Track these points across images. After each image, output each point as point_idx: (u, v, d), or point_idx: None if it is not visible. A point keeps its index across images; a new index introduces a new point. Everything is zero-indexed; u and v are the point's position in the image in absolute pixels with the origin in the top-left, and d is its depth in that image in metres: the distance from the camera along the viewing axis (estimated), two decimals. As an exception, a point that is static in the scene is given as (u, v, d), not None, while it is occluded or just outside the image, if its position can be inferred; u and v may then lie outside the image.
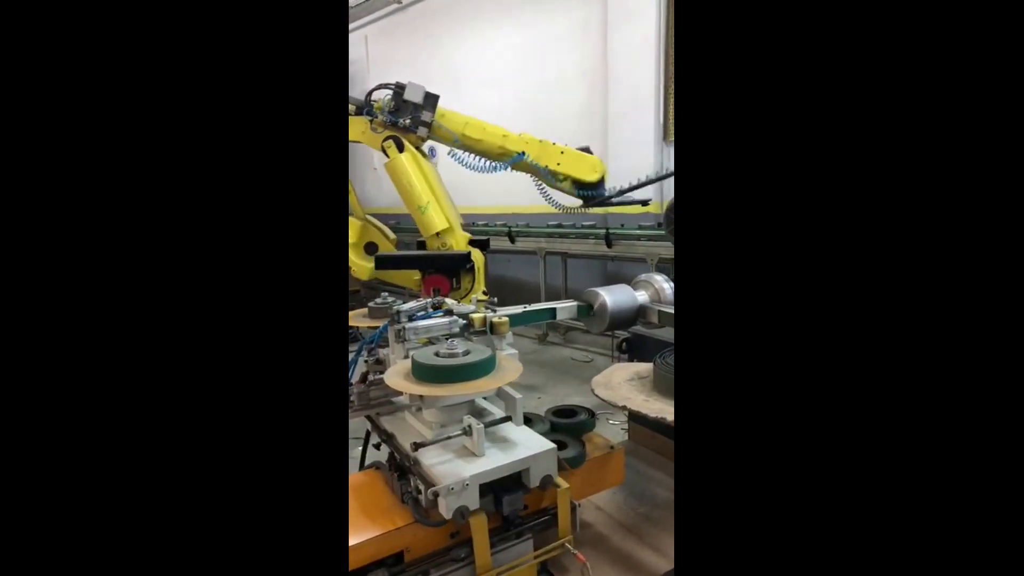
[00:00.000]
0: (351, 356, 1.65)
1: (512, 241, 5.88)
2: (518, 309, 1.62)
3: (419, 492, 1.23)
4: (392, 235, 4.21)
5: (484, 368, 1.25)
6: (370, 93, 3.51)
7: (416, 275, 3.68)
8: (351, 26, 8.37)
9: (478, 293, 3.51)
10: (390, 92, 3.47)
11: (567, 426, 1.60)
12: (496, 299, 1.76)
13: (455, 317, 1.49)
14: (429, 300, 1.58)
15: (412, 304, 1.54)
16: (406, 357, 1.45)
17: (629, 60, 4.88)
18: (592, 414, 1.67)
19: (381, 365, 1.57)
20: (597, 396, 1.55)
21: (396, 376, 1.27)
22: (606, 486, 1.63)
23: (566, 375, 4.65)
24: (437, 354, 1.28)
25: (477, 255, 3.44)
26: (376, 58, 8.22)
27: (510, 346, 1.49)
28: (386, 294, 1.77)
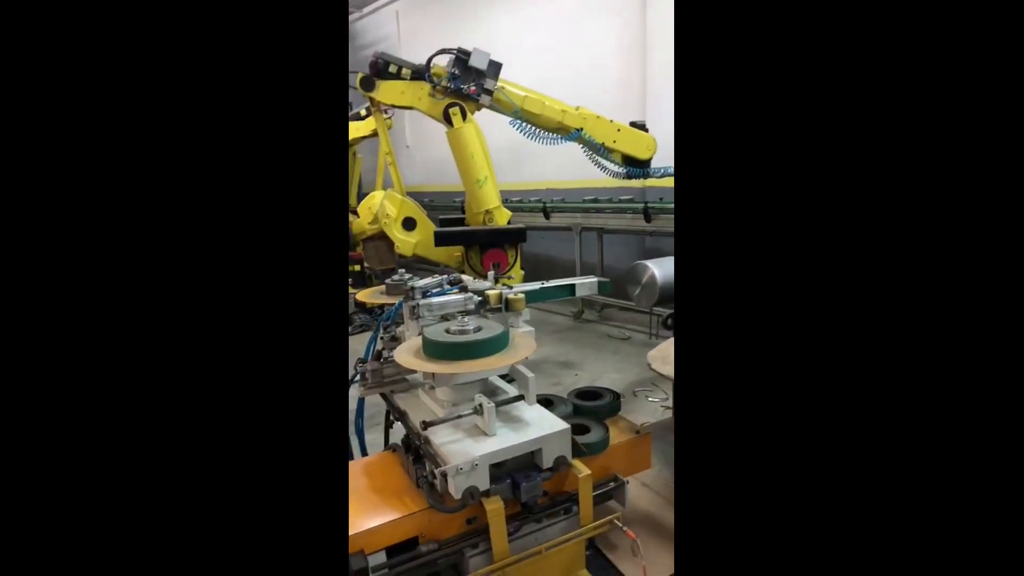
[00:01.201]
0: (367, 343, 1.62)
1: (547, 217, 5.77)
2: (535, 286, 1.54)
3: (435, 477, 1.19)
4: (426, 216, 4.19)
5: (496, 345, 1.19)
6: (431, 58, 3.43)
7: (457, 252, 3.66)
8: (382, 2, 8.31)
9: (518, 268, 3.49)
10: (450, 58, 3.38)
11: (590, 409, 1.53)
12: (513, 276, 1.69)
13: (470, 294, 1.43)
14: (445, 277, 1.52)
15: (427, 280, 1.49)
16: (420, 334, 1.41)
17: (668, 33, 4.65)
18: (617, 397, 1.59)
19: (396, 342, 1.53)
20: (654, 370, 1.47)
21: (406, 353, 1.22)
22: (631, 473, 1.55)
23: (602, 351, 4.57)
24: (448, 331, 1.22)
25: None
26: (407, 34, 8.14)
27: (527, 323, 1.43)
28: (403, 271, 1.73)
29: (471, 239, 3.57)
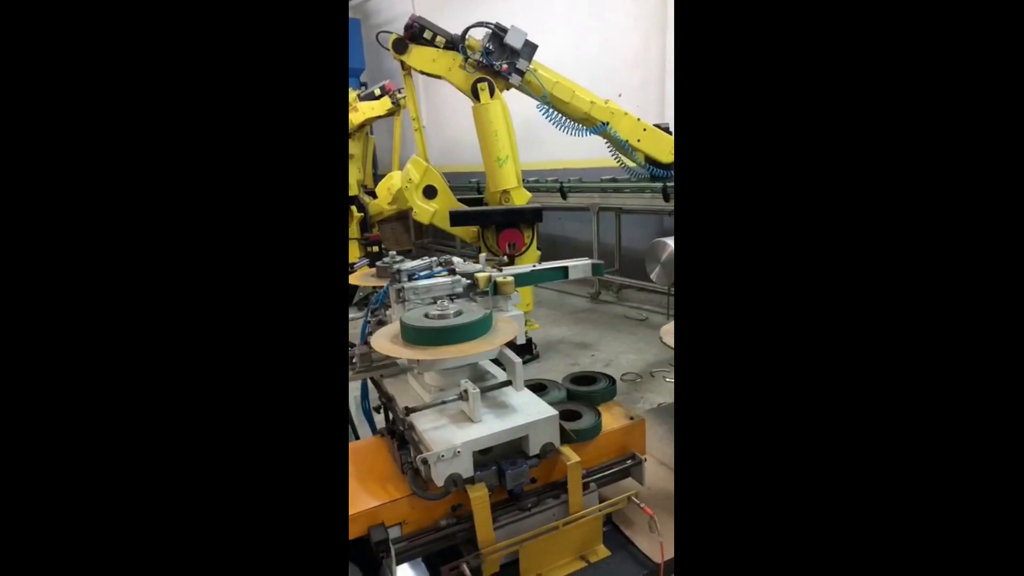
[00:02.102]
0: (361, 325, 1.59)
1: (564, 197, 5.67)
2: (526, 268, 1.49)
3: (419, 463, 1.16)
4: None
5: (476, 330, 1.14)
6: (467, 30, 3.36)
7: (475, 229, 3.63)
8: (397, -21, 8.18)
9: (534, 248, 3.45)
10: (487, 32, 3.31)
11: (583, 394, 1.48)
12: (505, 258, 1.63)
13: (458, 276, 1.38)
14: (435, 259, 1.48)
15: (415, 263, 1.45)
16: (404, 319, 1.37)
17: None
18: (613, 382, 1.53)
19: (382, 326, 1.50)
20: (666, 344, 1.44)
21: (384, 338, 1.19)
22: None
23: (620, 332, 4.50)
24: (427, 315, 1.18)
25: None
26: (422, 11, 8.01)
27: (515, 307, 1.38)
28: (393, 253, 1.69)
29: (487, 219, 3.53)
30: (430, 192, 3.82)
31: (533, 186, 5.51)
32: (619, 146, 3.44)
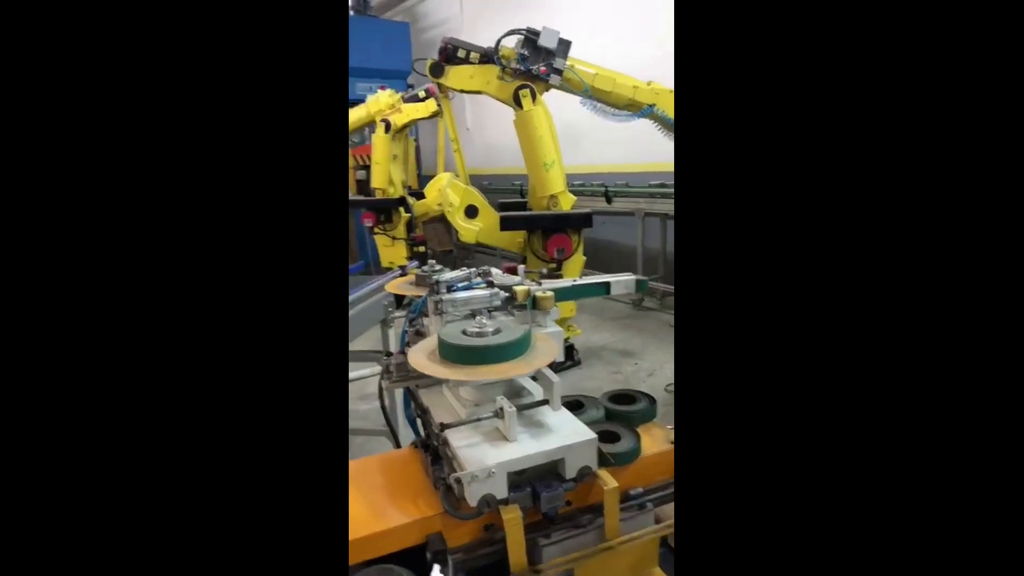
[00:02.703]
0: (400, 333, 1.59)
1: (608, 202, 5.58)
2: (567, 283, 1.44)
3: (452, 480, 1.14)
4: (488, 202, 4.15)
5: (515, 350, 1.11)
6: (499, 40, 3.38)
7: (519, 237, 3.62)
8: (446, -17, 8.25)
9: (580, 254, 3.41)
10: (519, 39, 3.32)
11: (622, 414, 1.42)
12: (545, 271, 1.59)
13: (496, 290, 1.35)
14: (474, 270, 1.46)
15: (454, 273, 1.43)
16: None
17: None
18: (653, 402, 1.47)
19: (420, 337, 1.48)
20: None
21: (420, 353, 1.17)
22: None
23: (664, 341, 4.39)
24: (465, 332, 1.15)
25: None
26: (470, 14, 8.06)
27: (554, 322, 1.33)
28: (433, 262, 1.67)
29: (536, 223, 3.54)
30: (471, 212, 3.84)
31: (578, 190, 5.44)
32: (669, 127, 3.39)
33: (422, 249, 5.94)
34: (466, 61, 3.45)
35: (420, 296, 1.54)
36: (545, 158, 3.35)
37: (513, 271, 1.57)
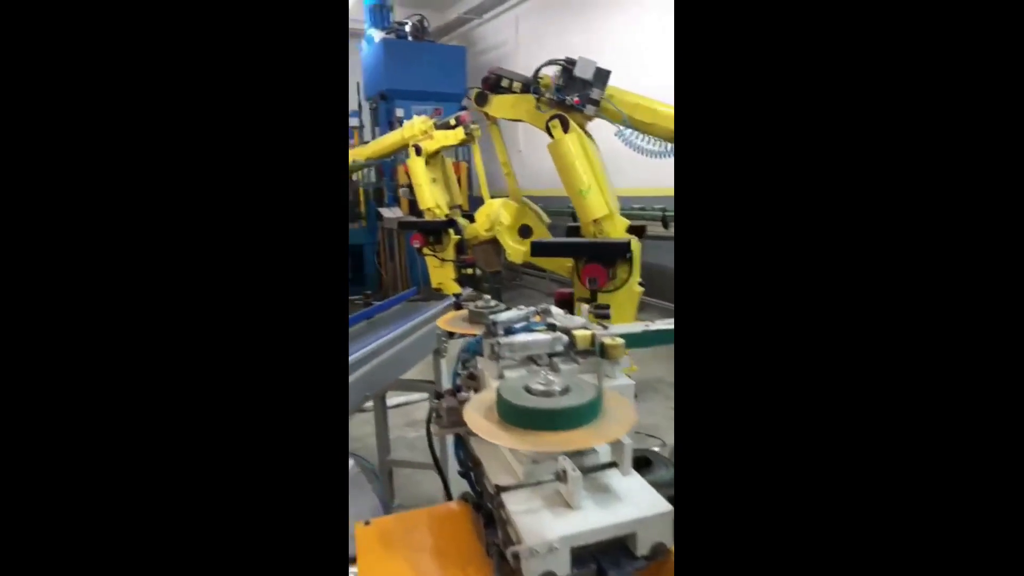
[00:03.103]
0: (453, 367, 1.49)
1: (665, 227, 5.40)
2: (638, 328, 1.30)
3: (506, 548, 1.02)
4: (547, 219, 4.06)
5: (586, 414, 0.98)
6: (538, 70, 3.37)
7: (568, 261, 3.53)
8: (502, 8, 8.35)
9: (633, 284, 3.25)
10: (558, 68, 3.29)
11: (699, 476, 1.26)
12: (607, 308, 1.46)
13: (558, 334, 1.23)
14: (532, 309, 1.34)
15: (511, 313, 1.32)
16: (499, 377, 1.24)
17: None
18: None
19: (475, 381, 1.37)
20: None
21: (477, 411, 1.06)
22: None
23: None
24: (528, 389, 1.03)
25: (634, 243, 3.19)
26: (525, 38, 8.10)
27: (625, 374, 1.20)
28: (488, 297, 1.57)
29: (569, 251, 3.42)
30: (525, 231, 3.76)
31: (637, 214, 5.27)
32: None
33: (470, 271, 5.96)
34: (509, 90, 3.44)
35: (473, 335, 1.43)
36: (580, 185, 3.25)
37: (567, 299, 1.45)
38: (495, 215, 4.72)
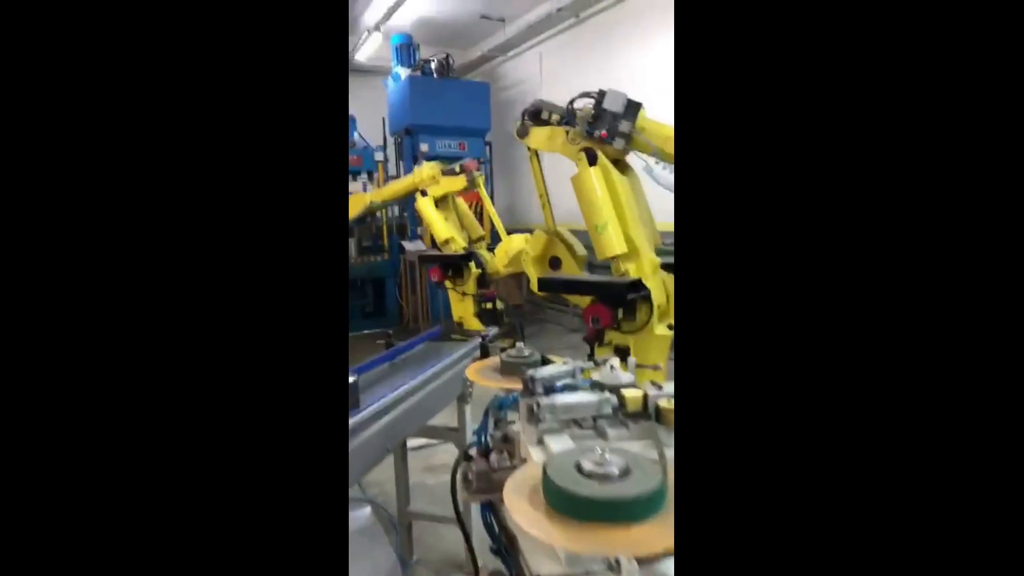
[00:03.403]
0: (478, 425, 1.35)
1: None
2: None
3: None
4: (582, 251, 3.96)
5: (651, 506, 0.82)
6: (572, 101, 3.35)
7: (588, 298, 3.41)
8: (526, 45, 8.46)
9: (659, 326, 3.08)
10: (589, 101, 3.26)
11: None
12: (661, 366, 1.31)
13: (606, 394, 1.09)
14: (576, 366, 1.20)
15: (552, 369, 1.18)
16: (539, 442, 1.09)
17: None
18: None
19: (509, 444, 1.23)
20: None
21: (519, 492, 0.90)
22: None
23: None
24: (580, 469, 0.87)
25: (666, 280, 3.04)
26: (549, 74, 8.17)
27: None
28: (521, 345, 1.44)
29: (573, 288, 3.33)
30: (554, 263, 3.67)
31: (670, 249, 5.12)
32: None
33: (490, 306, 5.92)
34: (548, 122, 3.43)
35: (508, 390, 1.30)
36: (596, 220, 3.15)
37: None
38: (514, 249, 4.66)
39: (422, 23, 8.29)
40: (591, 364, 1.24)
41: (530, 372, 1.13)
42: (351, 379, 1.57)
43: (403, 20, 7.86)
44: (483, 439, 1.31)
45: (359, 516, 2.70)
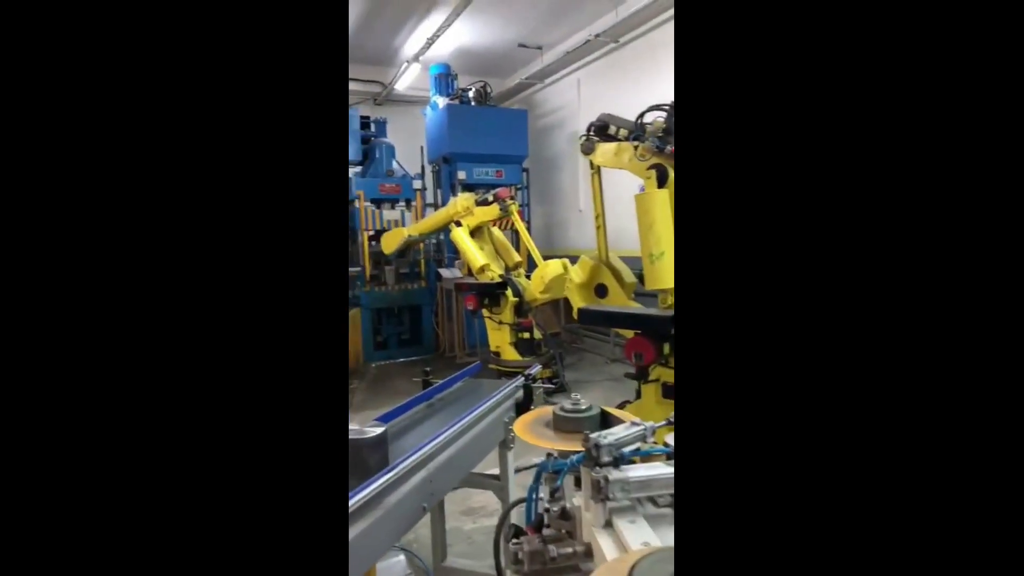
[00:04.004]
0: (530, 486, 1.16)
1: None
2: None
3: None
4: (631, 279, 3.76)
5: None
6: (641, 115, 3.18)
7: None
8: (564, 72, 8.42)
9: None
10: (661, 115, 3.09)
11: None
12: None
13: (688, 466, 0.90)
14: (648, 426, 1.02)
15: (620, 432, 0.99)
16: (606, 524, 0.90)
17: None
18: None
19: (568, 522, 1.04)
20: None
21: None
22: None
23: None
24: None
25: None
26: (587, 100, 8.10)
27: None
28: (578, 396, 1.26)
29: (614, 321, 3.14)
30: (600, 291, 3.49)
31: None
32: None
33: (526, 335, 5.77)
34: (615, 138, 3.27)
35: (564, 453, 1.11)
36: (652, 249, 2.92)
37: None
38: (550, 275, 4.49)
39: (460, 53, 8.38)
40: (665, 423, 1.05)
41: (594, 438, 0.95)
42: (379, 430, 1.41)
43: (442, 51, 7.96)
44: (533, 510, 1.12)
45: (392, 566, 2.52)
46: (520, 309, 5.61)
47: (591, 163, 3.50)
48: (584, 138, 3.41)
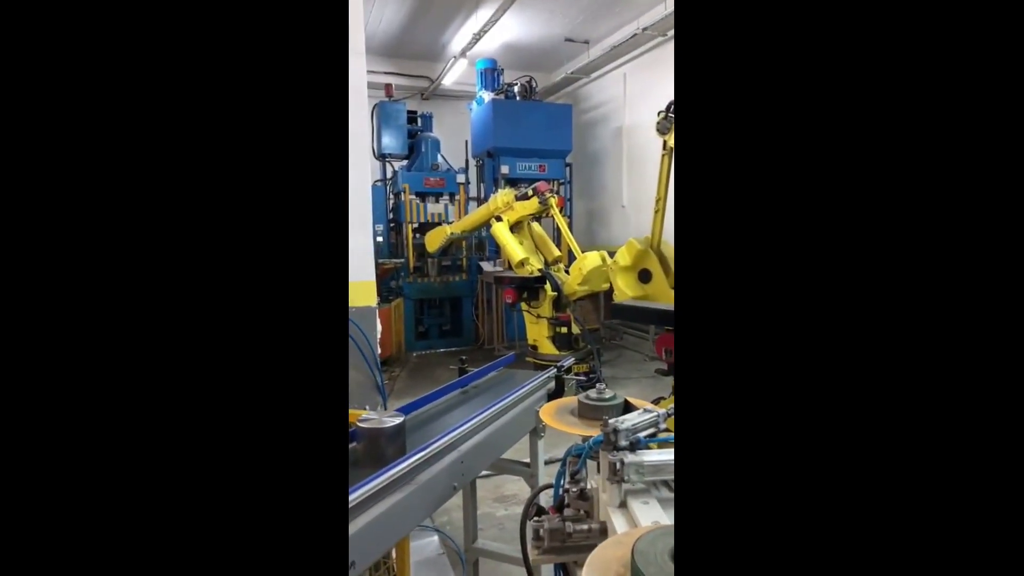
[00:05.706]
0: (557, 468, 1.23)
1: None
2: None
3: None
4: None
5: None
6: None
7: None
8: (610, 66, 8.35)
9: None
10: None
11: None
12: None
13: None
14: (661, 412, 1.06)
15: (635, 418, 1.04)
16: (621, 505, 0.96)
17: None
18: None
19: (586, 502, 1.10)
20: None
21: (606, 571, 0.78)
22: None
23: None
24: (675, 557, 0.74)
25: None
26: (633, 94, 8.01)
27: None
28: (603, 385, 1.31)
29: (644, 316, 3.10)
30: (645, 276, 3.47)
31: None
32: None
33: (564, 330, 5.78)
34: None
35: (583, 436, 1.17)
36: None
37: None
38: (588, 267, 4.46)
39: (507, 48, 8.43)
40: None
41: (612, 422, 1.00)
42: (398, 420, 1.50)
43: (489, 46, 8.04)
44: (558, 489, 1.19)
45: (426, 545, 2.63)
46: (558, 304, 5.63)
47: (664, 144, 3.38)
48: (663, 115, 3.27)
